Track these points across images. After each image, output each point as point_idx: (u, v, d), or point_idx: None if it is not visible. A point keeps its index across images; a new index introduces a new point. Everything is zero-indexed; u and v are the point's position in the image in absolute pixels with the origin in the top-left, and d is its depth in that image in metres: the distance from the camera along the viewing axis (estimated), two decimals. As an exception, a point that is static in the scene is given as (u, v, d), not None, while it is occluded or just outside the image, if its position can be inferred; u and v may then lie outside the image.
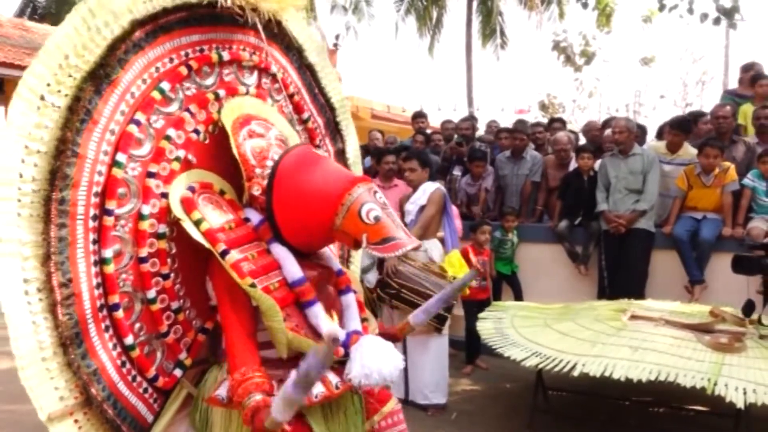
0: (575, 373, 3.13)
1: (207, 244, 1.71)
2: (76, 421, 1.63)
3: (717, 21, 6.45)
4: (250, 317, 1.74)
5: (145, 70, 1.77)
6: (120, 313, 1.69)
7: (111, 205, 1.68)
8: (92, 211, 1.65)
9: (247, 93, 2.06)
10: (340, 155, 2.53)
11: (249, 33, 2.07)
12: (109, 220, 1.67)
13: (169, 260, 1.82)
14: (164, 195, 1.80)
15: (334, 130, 2.49)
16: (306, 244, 1.85)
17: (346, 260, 2.60)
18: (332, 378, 1.75)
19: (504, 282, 5.59)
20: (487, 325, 3.98)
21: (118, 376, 1.70)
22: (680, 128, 5.43)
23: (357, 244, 1.76)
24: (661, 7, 6.72)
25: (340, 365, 1.77)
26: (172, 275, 1.83)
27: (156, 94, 1.79)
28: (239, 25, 2.02)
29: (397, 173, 5.26)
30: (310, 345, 1.71)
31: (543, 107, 20.61)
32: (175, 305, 1.84)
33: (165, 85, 1.81)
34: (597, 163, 5.50)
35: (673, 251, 5.02)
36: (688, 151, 5.35)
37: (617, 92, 37.92)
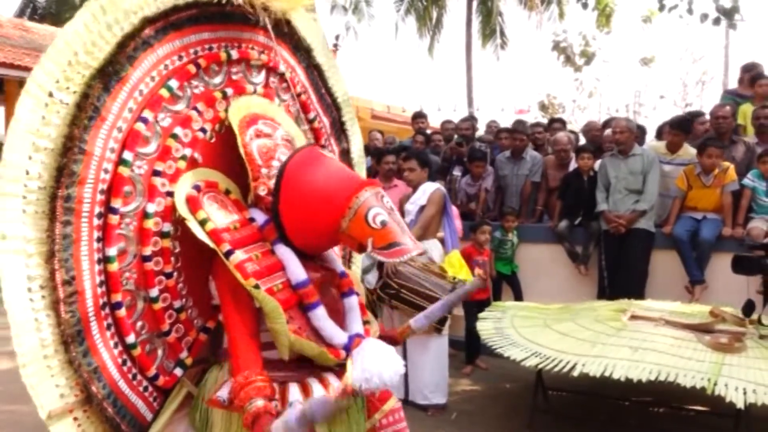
0: (575, 373, 3.13)
1: (212, 244, 1.71)
2: (75, 418, 1.63)
3: (717, 21, 6.45)
4: (253, 318, 1.73)
5: (154, 68, 1.77)
6: (122, 312, 1.69)
7: (116, 203, 1.67)
8: (97, 209, 1.65)
9: (254, 92, 2.06)
10: (345, 155, 2.53)
11: (258, 32, 2.07)
12: (114, 218, 1.67)
13: (172, 259, 1.82)
14: (169, 193, 1.79)
15: (339, 130, 2.49)
16: (311, 245, 1.84)
17: (348, 260, 2.60)
18: (333, 382, 1.76)
19: (504, 282, 5.59)
20: (487, 325, 3.98)
21: (118, 374, 1.70)
22: (680, 128, 5.43)
23: (362, 248, 1.75)
24: (661, 8, 6.72)
25: (341, 369, 1.77)
26: (175, 274, 1.83)
27: (164, 92, 1.79)
28: (249, 23, 2.02)
29: (397, 173, 5.27)
30: (312, 348, 1.71)
31: (543, 107, 20.62)
32: (177, 304, 1.84)
33: (173, 83, 1.81)
34: (597, 164, 5.51)
35: (673, 251, 5.02)
36: (688, 151, 5.35)
37: (617, 92, 37.94)
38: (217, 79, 1.96)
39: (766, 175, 4.86)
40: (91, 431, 1.67)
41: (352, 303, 1.95)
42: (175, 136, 1.82)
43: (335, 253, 2.06)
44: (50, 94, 1.56)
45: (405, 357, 3.97)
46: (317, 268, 1.89)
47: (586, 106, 20.57)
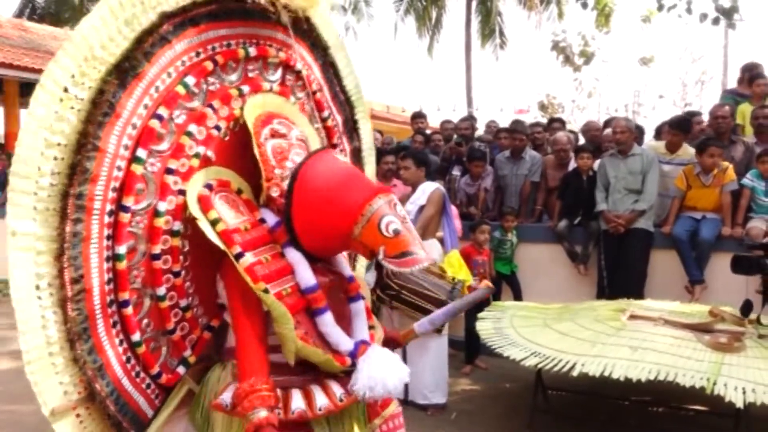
0: (575, 373, 3.14)
1: (222, 246, 1.69)
2: (78, 415, 1.63)
3: (716, 21, 6.46)
4: (261, 321, 1.72)
5: (171, 64, 1.74)
6: (129, 310, 1.68)
7: (128, 201, 1.65)
8: (108, 207, 1.63)
9: (270, 90, 2.02)
10: (356, 153, 2.50)
11: (277, 29, 2.02)
12: (125, 217, 1.65)
13: (181, 257, 1.80)
14: (181, 192, 1.77)
15: (351, 128, 2.45)
16: (321, 250, 1.83)
17: (353, 259, 2.58)
18: (336, 390, 1.75)
19: (503, 282, 5.59)
20: (486, 325, 3.99)
21: (122, 371, 1.69)
22: (680, 128, 5.43)
23: (373, 255, 1.73)
24: (660, 7, 6.73)
25: (345, 375, 1.77)
26: (183, 273, 1.81)
27: (180, 89, 1.76)
28: (268, 20, 1.98)
29: (396, 173, 5.28)
30: (318, 355, 1.70)
31: (542, 107, 20.65)
32: (183, 303, 1.82)
33: (190, 80, 1.78)
34: (596, 163, 5.51)
35: (672, 251, 5.02)
36: (687, 150, 5.35)
37: (616, 92, 38.00)
38: (234, 77, 1.93)
39: (765, 174, 4.87)
40: (93, 428, 1.67)
41: (359, 308, 1.93)
42: (189, 134, 1.79)
43: (343, 256, 2.04)
44: (65, 90, 1.54)
45: (404, 357, 3.97)
46: (326, 272, 1.87)
47: (585, 105, 20.64)
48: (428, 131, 7.78)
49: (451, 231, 4.48)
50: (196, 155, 1.81)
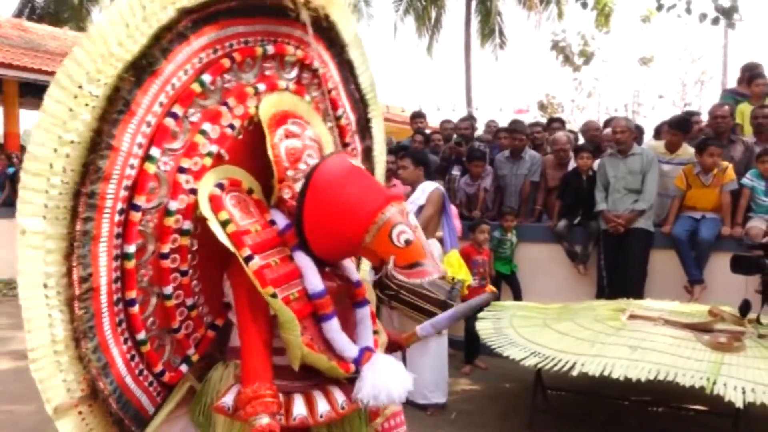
0: (574, 373, 3.14)
1: (232, 248, 1.67)
2: (80, 412, 1.63)
3: (715, 21, 6.45)
4: (267, 325, 1.71)
5: (188, 61, 1.71)
6: (135, 309, 1.67)
7: (140, 200, 1.64)
8: (119, 205, 1.61)
9: (286, 88, 1.99)
10: (367, 153, 2.46)
11: (295, 26, 1.98)
12: (135, 216, 1.64)
13: (189, 256, 1.79)
14: (192, 191, 1.75)
15: (364, 127, 2.42)
16: (330, 255, 1.82)
17: (358, 258, 2.56)
18: (338, 397, 1.75)
19: (503, 282, 5.59)
20: (486, 325, 3.98)
21: (126, 369, 1.69)
22: (679, 128, 5.43)
23: (382, 263, 1.73)
24: (659, 7, 6.72)
25: (349, 382, 1.77)
26: (191, 271, 1.80)
27: (196, 87, 1.73)
28: (286, 18, 1.94)
29: (395, 173, 5.28)
30: (323, 362, 1.69)
31: (542, 107, 20.64)
32: (189, 301, 1.81)
33: (206, 77, 1.75)
34: (596, 163, 5.51)
35: (671, 251, 5.02)
36: (687, 150, 5.35)
37: (616, 92, 38.02)
38: (250, 75, 1.90)
39: (765, 174, 4.87)
40: (95, 425, 1.67)
41: (364, 314, 1.92)
42: (203, 132, 1.77)
43: (350, 260, 2.03)
44: (80, 86, 1.51)
45: (404, 356, 3.97)
46: (333, 276, 1.86)
47: (584, 105, 20.62)
48: (428, 131, 7.78)
49: (451, 231, 4.47)
50: (209, 154, 1.78)
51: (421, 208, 4.27)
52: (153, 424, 1.79)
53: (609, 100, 27.75)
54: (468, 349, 5.17)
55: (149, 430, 1.78)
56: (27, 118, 13.95)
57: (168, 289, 1.74)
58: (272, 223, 1.82)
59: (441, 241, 4.41)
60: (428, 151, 6.43)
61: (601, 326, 3.59)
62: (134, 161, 1.62)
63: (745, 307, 3.55)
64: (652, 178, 5.10)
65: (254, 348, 1.67)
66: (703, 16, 6.40)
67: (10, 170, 9.81)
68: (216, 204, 1.71)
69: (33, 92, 12.66)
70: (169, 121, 1.68)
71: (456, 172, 6.42)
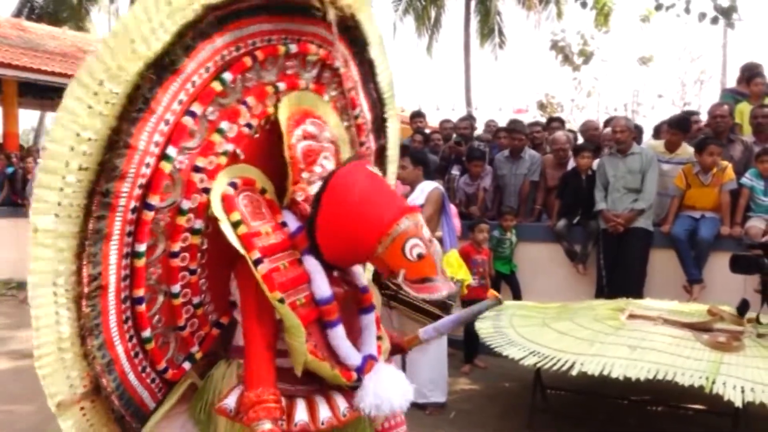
0: (574, 372, 3.14)
1: (242, 250, 1.66)
2: (82, 408, 1.63)
3: (715, 20, 6.45)
4: (273, 328, 1.71)
5: (210, 59, 1.67)
6: (142, 307, 1.66)
7: (154, 199, 1.62)
8: (133, 204, 1.59)
9: (306, 87, 1.96)
10: (381, 152, 2.44)
11: (319, 25, 1.94)
12: (148, 215, 1.62)
13: (198, 255, 1.77)
14: (205, 190, 1.73)
15: (380, 126, 2.40)
16: (341, 261, 1.81)
17: None
18: (340, 403, 1.74)
19: (503, 281, 5.59)
20: (485, 325, 3.99)
21: (129, 366, 1.68)
22: (679, 127, 5.43)
23: (392, 275, 1.70)
24: (658, 7, 6.72)
25: (351, 390, 1.77)
26: (199, 270, 1.79)
27: (216, 85, 1.70)
28: (311, 16, 1.90)
29: (395, 173, 5.27)
30: (326, 369, 1.69)
31: (541, 107, 20.64)
32: (196, 300, 1.80)
33: (227, 76, 1.71)
34: (595, 163, 5.51)
35: (671, 250, 5.02)
36: (686, 150, 5.35)
37: (615, 92, 38.02)
38: (271, 73, 1.86)
39: (764, 174, 4.87)
40: (96, 421, 1.67)
41: (369, 320, 1.91)
42: (220, 131, 1.74)
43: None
44: (101, 83, 1.49)
45: (404, 356, 3.97)
46: (340, 281, 1.84)
47: (584, 105, 20.63)
48: (427, 131, 7.77)
49: (450, 230, 4.47)
50: (225, 153, 1.75)
51: (420, 208, 4.27)
52: (152, 420, 1.79)
53: (608, 99, 27.75)
54: (467, 348, 5.18)
55: (148, 425, 1.78)
56: (26, 117, 13.96)
57: (176, 288, 1.73)
58: (283, 224, 1.80)
59: (440, 240, 4.41)
60: (428, 150, 6.42)
61: (601, 326, 3.59)
62: (150, 160, 1.59)
63: (744, 307, 3.56)
64: (651, 177, 5.10)
65: (258, 351, 1.67)
66: (702, 16, 6.40)
67: (9, 170, 9.81)
68: (228, 204, 1.69)
69: (32, 92, 12.67)
70: (188, 120, 1.65)
71: (455, 171, 6.43)
